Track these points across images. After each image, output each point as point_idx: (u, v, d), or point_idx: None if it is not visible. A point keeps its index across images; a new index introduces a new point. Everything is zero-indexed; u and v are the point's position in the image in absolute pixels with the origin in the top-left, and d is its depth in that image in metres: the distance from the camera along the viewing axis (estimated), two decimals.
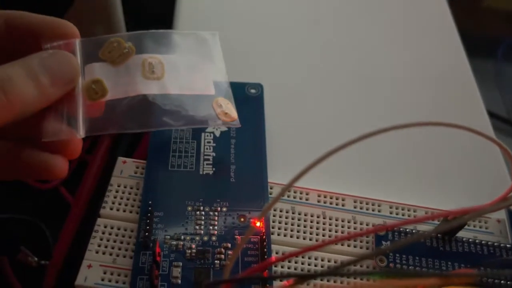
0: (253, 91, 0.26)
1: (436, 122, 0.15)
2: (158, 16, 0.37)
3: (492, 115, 0.42)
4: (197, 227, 0.21)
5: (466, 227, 0.23)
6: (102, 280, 0.20)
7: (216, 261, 0.21)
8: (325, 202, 0.23)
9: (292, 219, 0.23)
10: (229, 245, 0.21)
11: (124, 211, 0.22)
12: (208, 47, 0.23)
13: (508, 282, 0.21)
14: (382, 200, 0.23)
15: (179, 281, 0.20)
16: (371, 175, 0.25)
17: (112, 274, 0.20)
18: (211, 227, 0.21)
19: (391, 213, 0.23)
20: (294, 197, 0.23)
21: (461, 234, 0.22)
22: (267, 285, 0.20)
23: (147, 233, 0.21)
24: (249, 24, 0.33)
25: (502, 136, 0.43)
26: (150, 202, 0.22)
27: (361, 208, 0.23)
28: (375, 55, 0.32)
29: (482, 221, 0.24)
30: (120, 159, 0.24)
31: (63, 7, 0.33)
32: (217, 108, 0.22)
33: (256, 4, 0.34)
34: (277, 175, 0.23)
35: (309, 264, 0.21)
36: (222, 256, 0.21)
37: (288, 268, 0.21)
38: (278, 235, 0.22)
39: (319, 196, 0.23)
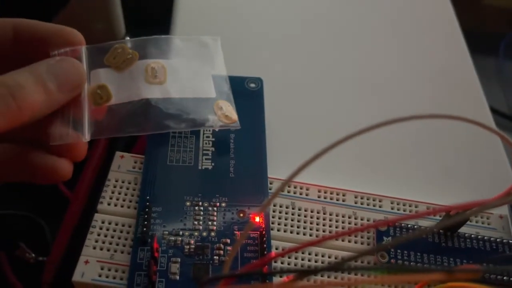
0: (252, 85, 0.26)
1: (436, 114, 0.14)
2: (157, 14, 0.37)
3: (494, 111, 0.42)
4: (196, 222, 0.21)
5: (468, 223, 0.22)
6: (100, 276, 0.20)
7: (215, 257, 0.20)
8: (325, 198, 0.23)
9: (292, 214, 0.22)
10: (228, 240, 0.21)
11: (122, 206, 0.22)
12: (209, 51, 0.24)
13: (505, 278, 0.20)
14: (383, 195, 0.23)
15: (178, 277, 0.20)
16: (372, 170, 0.25)
17: (109, 270, 0.20)
18: (210, 223, 0.21)
19: (392, 208, 0.23)
20: (294, 193, 0.23)
21: (463, 230, 0.22)
22: (267, 281, 0.19)
23: (145, 229, 0.21)
24: (248, 19, 0.32)
25: (504, 132, 0.43)
26: (148, 197, 0.22)
27: (362, 204, 0.23)
28: (377, 50, 0.32)
29: (485, 217, 0.23)
30: (118, 153, 0.23)
31: (57, 5, 0.33)
32: (218, 111, 0.23)
33: None
34: (277, 170, 0.23)
35: (309, 260, 0.21)
36: (221, 252, 0.20)
37: (288, 264, 0.21)
38: (278, 230, 0.22)
39: (319, 191, 0.23)
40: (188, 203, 0.22)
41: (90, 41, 0.22)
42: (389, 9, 0.35)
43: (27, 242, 0.29)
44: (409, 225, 0.22)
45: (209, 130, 0.24)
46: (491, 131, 0.17)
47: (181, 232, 0.21)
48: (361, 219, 0.23)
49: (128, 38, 0.40)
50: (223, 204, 0.22)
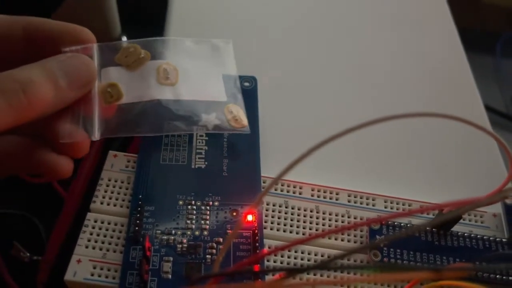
0: (246, 84, 0.26)
1: (428, 113, 0.14)
2: (153, 12, 0.37)
3: (491, 110, 0.42)
4: (189, 221, 0.21)
5: (461, 221, 0.22)
6: (92, 275, 0.20)
7: (207, 256, 0.20)
8: (318, 196, 0.23)
9: (285, 213, 0.22)
10: (221, 239, 0.21)
11: (115, 205, 0.22)
12: (221, 54, 0.24)
13: (504, 277, 0.20)
14: (377, 194, 0.23)
15: (170, 276, 0.20)
16: (365, 169, 0.25)
17: (102, 269, 0.20)
18: (202, 222, 0.21)
19: (385, 207, 0.23)
20: (288, 191, 0.23)
21: (456, 228, 0.22)
22: (259, 279, 0.19)
23: (137, 228, 0.21)
24: (242, 18, 0.32)
25: (501, 131, 0.43)
26: (140, 196, 0.22)
27: (355, 202, 0.23)
28: (371, 49, 0.32)
29: (478, 215, 0.23)
30: (111, 153, 0.23)
31: (53, 4, 0.33)
32: (228, 115, 0.23)
33: None
34: (270, 169, 0.23)
35: (302, 259, 0.21)
36: (214, 250, 0.20)
37: (281, 262, 0.21)
38: (271, 229, 0.22)
39: (312, 190, 0.23)
40: (181, 202, 0.22)
41: None
42: (384, 7, 0.35)
43: (21, 242, 0.29)
44: (402, 224, 0.22)
45: (203, 129, 0.24)
46: (483, 131, 0.17)
47: (173, 231, 0.21)
48: (355, 218, 0.23)
49: (124, 37, 0.40)
50: (216, 203, 0.22)
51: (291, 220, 0.22)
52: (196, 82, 0.23)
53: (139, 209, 0.21)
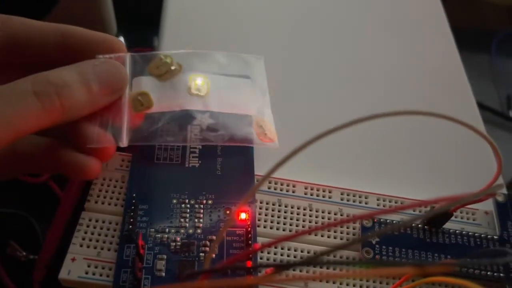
0: None
1: (413, 111, 0.14)
2: (148, 12, 0.37)
3: (486, 108, 0.42)
4: (182, 220, 0.21)
5: (453, 218, 0.23)
6: (86, 273, 0.20)
7: (201, 254, 0.20)
8: (311, 195, 0.23)
9: (279, 211, 0.22)
10: (214, 238, 0.21)
11: (109, 204, 0.22)
12: (252, 69, 0.24)
13: (489, 273, 0.21)
14: (370, 192, 0.23)
15: (163, 274, 0.20)
16: (358, 167, 0.25)
17: (96, 267, 0.20)
18: (196, 220, 0.21)
19: (378, 205, 0.23)
20: (281, 190, 0.23)
21: (448, 225, 0.22)
22: (251, 275, 0.19)
23: (131, 226, 0.21)
24: (238, 16, 0.32)
25: (496, 129, 0.43)
26: (134, 195, 0.22)
27: (348, 200, 0.23)
28: (364, 48, 0.32)
29: (470, 212, 0.23)
30: None
31: (49, 3, 0.33)
32: (257, 129, 0.23)
33: None
34: (264, 167, 0.23)
35: (294, 256, 0.21)
36: (207, 249, 0.21)
37: (274, 260, 0.21)
38: (264, 227, 0.22)
39: (305, 188, 0.23)
40: (174, 201, 0.22)
41: None
42: (377, 7, 0.35)
43: (18, 241, 0.29)
44: (394, 221, 0.22)
45: (197, 128, 0.24)
46: (469, 128, 0.17)
47: (167, 229, 0.21)
48: (347, 216, 0.23)
49: (121, 37, 0.41)
50: (210, 202, 0.22)
51: (284, 218, 0.22)
52: (226, 95, 0.23)
53: (133, 207, 0.21)
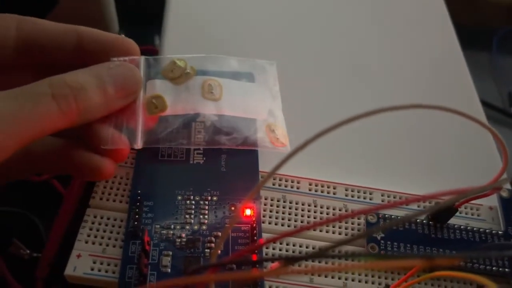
0: (243, 80, 0.26)
1: (421, 105, 0.14)
2: (151, 10, 0.37)
3: (487, 105, 0.42)
4: (187, 216, 0.21)
5: (458, 214, 0.23)
6: (92, 269, 0.20)
7: (206, 250, 0.20)
8: (316, 191, 0.23)
9: (283, 207, 0.22)
10: (220, 234, 0.21)
11: (114, 201, 0.22)
12: (265, 74, 0.25)
13: (494, 268, 0.21)
14: (374, 188, 0.23)
15: (169, 270, 0.20)
16: (363, 163, 0.25)
17: (101, 263, 0.20)
18: (201, 216, 0.21)
19: (383, 201, 0.23)
20: (285, 186, 0.23)
21: (453, 221, 0.22)
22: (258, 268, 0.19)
23: (136, 222, 0.21)
24: (240, 16, 0.32)
25: (498, 126, 0.43)
26: (139, 191, 0.22)
27: (352, 196, 0.23)
28: (367, 45, 0.32)
29: (474, 208, 0.23)
30: None
31: (50, 2, 0.33)
32: (269, 133, 0.23)
33: None
34: (268, 164, 0.23)
35: (300, 252, 0.21)
36: (213, 245, 0.21)
37: (279, 255, 0.21)
38: (269, 223, 0.22)
39: (310, 184, 0.23)
40: (179, 197, 0.22)
41: None
42: (380, 4, 0.35)
43: (21, 239, 0.29)
44: (399, 217, 0.22)
45: (201, 125, 0.24)
46: (477, 122, 0.17)
47: (172, 226, 0.21)
48: (352, 212, 0.23)
49: (122, 35, 0.41)
50: (215, 198, 0.22)
51: (289, 214, 0.22)
52: (239, 99, 0.23)
53: (138, 204, 0.21)
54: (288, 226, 0.22)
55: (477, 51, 0.47)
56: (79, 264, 0.20)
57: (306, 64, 0.30)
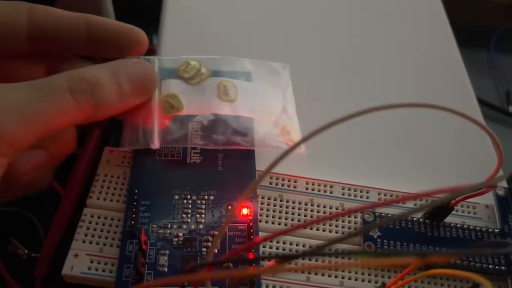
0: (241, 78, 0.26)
1: (414, 103, 0.14)
2: (148, 7, 0.37)
3: (485, 104, 0.42)
4: (184, 215, 0.21)
5: (454, 212, 0.23)
6: (89, 269, 0.20)
7: (203, 249, 0.20)
8: (313, 190, 0.23)
9: (280, 206, 0.23)
10: (216, 233, 0.21)
11: (111, 200, 0.22)
12: (278, 77, 0.25)
13: (490, 266, 0.21)
14: (370, 186, 0.23)
15: (166, 269, 0.20)
16: (359, 161, 0.25)
17: (99, 263, 0.20)
18: (198, 216, 0.21)
19: (379, 199, 0.23)
20: (282, 185, 0.23)
21: (449, 219, 0.22)
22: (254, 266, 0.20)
23: (133, 222, 0.21)
24: (238, 13, 0.32)
25: (496, 125, 0.43)
26: (136, 191, 0.22)
27: (349, 195, 0.23)
28: (363, 44, 0.32)
29: (471, 206, 0.24)
30: (107, 148, 0.24)
31: (47, 2, 0.33)
32: (284, 135, 0.23)
33: None
34: (265, 163, 0.23)
35: (296, 250, 0.21)
36: (209, 244, 0.21)
37: (276, 253, 0.21)
38: (266, 222, 0.22)
39: (307, 183, 0.23)
40: (176, 197, 0.22)
41: None
42: (377, 2, 0.35)
43: (19, 239, 0.29)
44: (395, 215, 0.22)
45: (198, 125, 0.24)
46: (471, 121, 0.17)
47: (169, 225, 0.21)
48: (347, 209, 0.23)
49: None
50: (212, 197, 0.22)
51: (286, 213, 0.22)
52: (254, 100, 0.23)
53: (135, 203, 0.21)
54: (285, 225, 0.22)
55: (475, 50, 0.47)
56: (76, 264, 0.20)
57: (305, 63, 0.30)
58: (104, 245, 0.21)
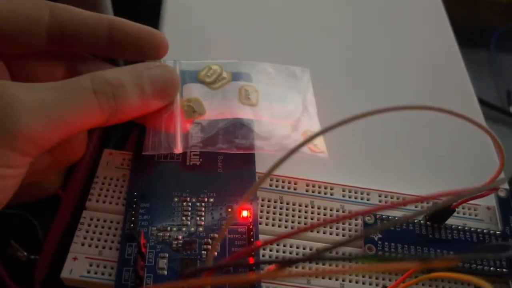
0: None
1: (416, 105, 0.14)
2: (148, 10, 0.37)
3: (486, 104, 0.42)
4: (184, 218, 0.21)
5: (455, 214, 0.23)
6: (88, 272, 0.20)
7: (203, 252, 0.20)
8: (313, 192, 0.23)
9: (280, 208, 0.22)
10: (216, 235, 0.21)
11: (111, 203, 0.22)
12: (299, 81, 0.25)
13: (492, 268, 0.21)
14: (371, 188, 0.23)
15: (165, 272, 0.20)
16: (360, 163, 0.25)
17: (98, 266, 0.20)
18: (198, 218, 0.21)
19: (380, 201, 0.23)
20: (282, 187, 0.23)
21: (450, 221, 0.22)
22: (254, 271, 0.19)
23: (132, 225, 0.21)
24: (237, 12, 0.32)
25: (497, 125, 0.43)
26: (135, 193, 0.22)
27: (349, 197, 0.23)
28: (364, 45, 0.32)
29: (472, 208, 0.23)
30: (107, 151, 0.23)
31: None
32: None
33: None
34: (265, 165, 0.23)
35: (296, 253, 0.21)
36: (209, 247, 0.20)
37: (276, 257, 0.21)
38: (266, 225, 0.22)
39: (307, 185, 0.23)
40: (176, 199, 0.22)
41: None
42: (377, 2, 0.35)
43: (19, 241, 0.29)
44: (396, 218, 0.22)
45: (198, 126, 0.24)
46: (472, 123, 0.17)
47: (169, 228, 0.21)
48: (349, 212, 0.23)
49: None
50: (211, 200, 0.22)
51: (286, 215, 0.22)
52: (276, 105, 0.23)
53: (134, 206, 0.21)
54: (285, 227, 0.22)
55: (476, 50, 0.47)
56: (75, 267, 0.20)
57: (305, 64, 0.30)
58: (104, 248, 0.21)
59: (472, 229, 0.22)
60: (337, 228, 0.22)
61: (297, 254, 0.21)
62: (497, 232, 0.22)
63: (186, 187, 0.22)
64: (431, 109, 0.15)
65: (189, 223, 0.21)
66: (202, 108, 0.22)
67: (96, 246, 0.21)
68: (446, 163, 0.26)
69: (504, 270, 0.21)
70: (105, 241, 0.21)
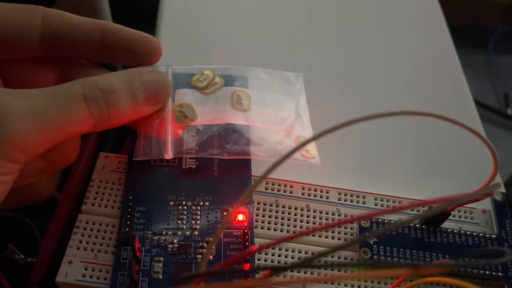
0: (236, 83, 0.26)
1: (410, 111, 0.14)
2: (144, 10, 0.37)
3: (484, 106, 0.42)
4: (179, 221, 0.21)
5: (451, 218, 0.23)
6: (83, 276, 0.20)
7: (198, 256, 0.20)
8: (309, 195, 0.23)
9: (276, 212, 0.22)
10: (212, 239, 0.21)
11: (106, 206, 0.22)
12: (292, 86, 0.25)
13: (487, 272, 0.21)
14: (367, 192, 0.23)
15: (161, 276, 0.20)
16: (356, 167, 0.25)
17: (93, 270, 0.20)
18: (193, 222, 0.21)
19: (376, 205, 0.23)
20: (278, 190, 0.23)
21: (446, 225, 0.22)
22: (248, 277, 0.19)
23: (128, 229, 0.21)
24: (234, 15, 0.32)
25: (494, 127, 0.43)
26: (131, 197, 0.22)
27: (345, 201, 0.23)
28: (360, 46, 0.32)
29: (468, 211, 0.23)
30: (102, 154, 0.23)
31: (44, 4, 0.33)
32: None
33: None
34: (261, 168, 0.23)
35: (292, 257, 0.21)
36: (205, 250, 0.21)
37: (271, 261, 0.21)
38: (262, 228, 0.22)
39: (303, 188, 0.23)
40: (171, 203, 0.22)
41: None
42: (374, 4, 0.35)
43: (16, 243, 0.29)
44: (392, 221, 0.22)
45: (193, 130, 0.24)
46: (468, 129, 0.17)
47: (164, 232, 0.21)
48: (345, 216, 0.23)
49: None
50: (207, 203, 0.22)
51: (282, 219, 0.22)
52: (268, 110, 0.23)
53: (130, 210, 0.21)
54: (281, 231, 0.22)
55: (473, 51, 0.47)
56: (70, 271, 0.20)
57: (303, 66, 0.30)
58: (99, 251, 0.21)
59: (468, 232, 0.22)
60: (333, 232, 0.22)
61: (292, 258, 0.21)
62: (493, 236, 0.22)
63: (182, 190, 0.22)
64: (421, 114, 0.15)
65: (184, 226, 0.21)
66: (193, 114, 0.22)
67: (92, 250, 0.21)
68: (441, 166, 0.26)
69: (499, 273, 0.21)
70: (101, 244, 0.21)
